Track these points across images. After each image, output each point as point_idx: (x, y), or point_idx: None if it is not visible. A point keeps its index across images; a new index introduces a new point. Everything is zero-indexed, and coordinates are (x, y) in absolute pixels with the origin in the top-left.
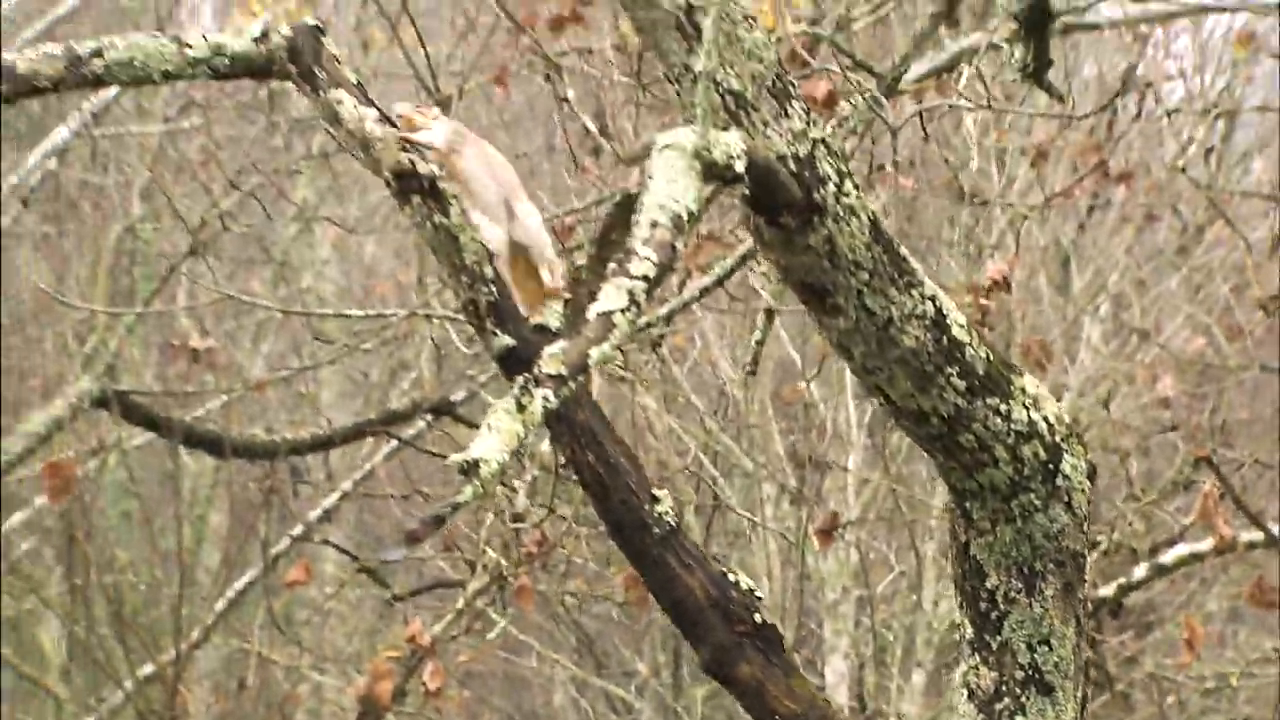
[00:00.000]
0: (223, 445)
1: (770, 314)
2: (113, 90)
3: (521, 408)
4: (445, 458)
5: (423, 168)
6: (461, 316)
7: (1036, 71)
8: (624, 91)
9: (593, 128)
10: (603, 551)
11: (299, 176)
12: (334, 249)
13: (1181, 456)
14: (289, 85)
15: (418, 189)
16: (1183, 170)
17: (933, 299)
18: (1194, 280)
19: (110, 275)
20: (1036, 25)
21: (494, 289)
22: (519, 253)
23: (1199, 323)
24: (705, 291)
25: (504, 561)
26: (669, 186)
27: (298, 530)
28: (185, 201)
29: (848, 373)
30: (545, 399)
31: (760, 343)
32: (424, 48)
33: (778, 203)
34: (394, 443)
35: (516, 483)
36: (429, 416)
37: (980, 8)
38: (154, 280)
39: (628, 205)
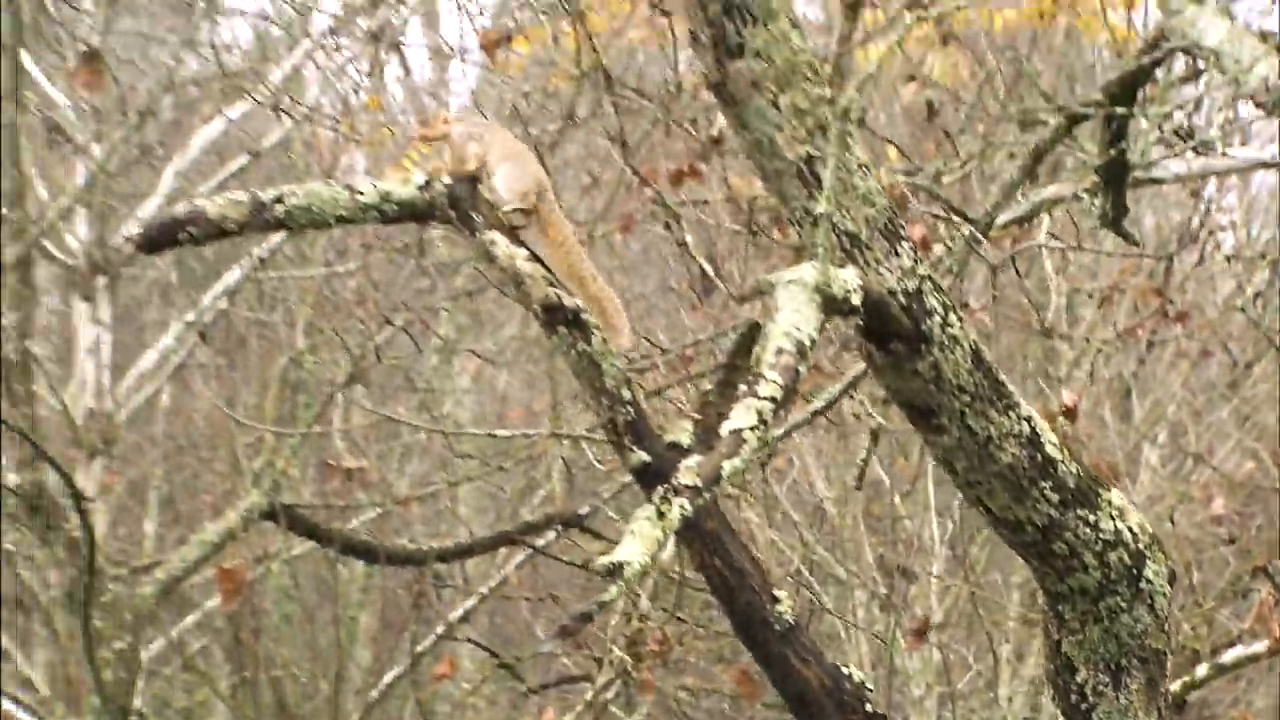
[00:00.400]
0: (375, 553)
1: (875, 435)
2: (277, 237)
3: (661, 515)
4: (576, 565)
5: (568, 301)
6: (592, 437)
7: (1115, 219)
8: (735, 239)
9: (708, 269)
10: (715, 649)
11: (443, 314)
12: (473, 379)
13: (1234, 568)
14: (434, 231)
15: (563, 320)
16: (1241, 310)
17: (1028, 419)
18: (1243, 410)
19: (276, 401)
20: (1116, 178)
21: (631, 409)
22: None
23: (1248, 448)
24: (816, 415)
25: (628, 658)
26: (792, 317)
27: (440, 630)
28: (343, 336)
29: (931, 491)
30: (682, 508)
31: (865, 461)
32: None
33: (889, 332)
34: (527, 551)
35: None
36: (559, 528)
37: (1054, 164)
38: (315, 405)
39: (751, 335)
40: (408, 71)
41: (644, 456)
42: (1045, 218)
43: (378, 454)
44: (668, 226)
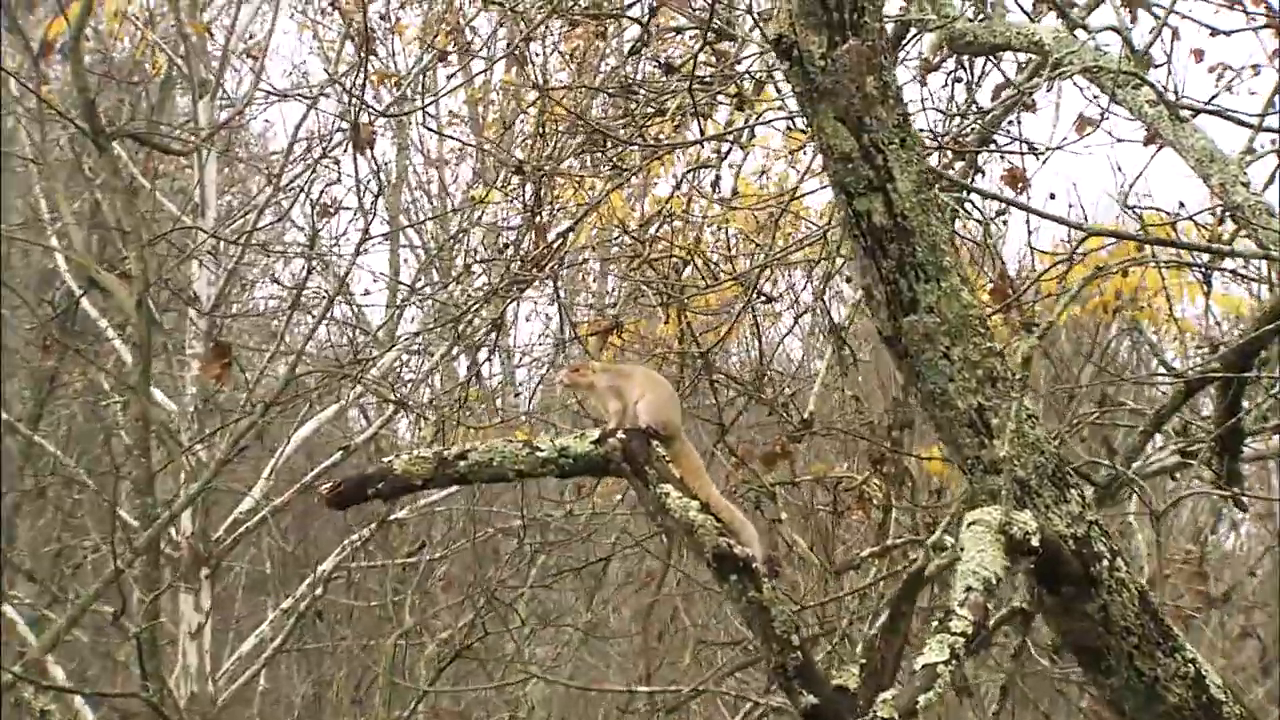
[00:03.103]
0: None
1: (1005, 691)
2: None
3: None
4: None
5: (738, 550)
6: (745, 695)
7: (1228, 484)
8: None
9: (802, 544)
10: None
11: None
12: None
13: None
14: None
15: (734, 568)
16: None
17: (1193, 661)
18: (1274, 691)
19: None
20: (1229, 445)
21: (800, 654)
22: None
23: None
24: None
25: None
26: (979, 556)
27: None
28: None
29: None
30: None
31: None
32: None
33: (1060, 575)
34: None
35: None
36: None
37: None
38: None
39: (916, 581)
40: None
41: (813, 700)
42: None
43: None
44: (758, 505)
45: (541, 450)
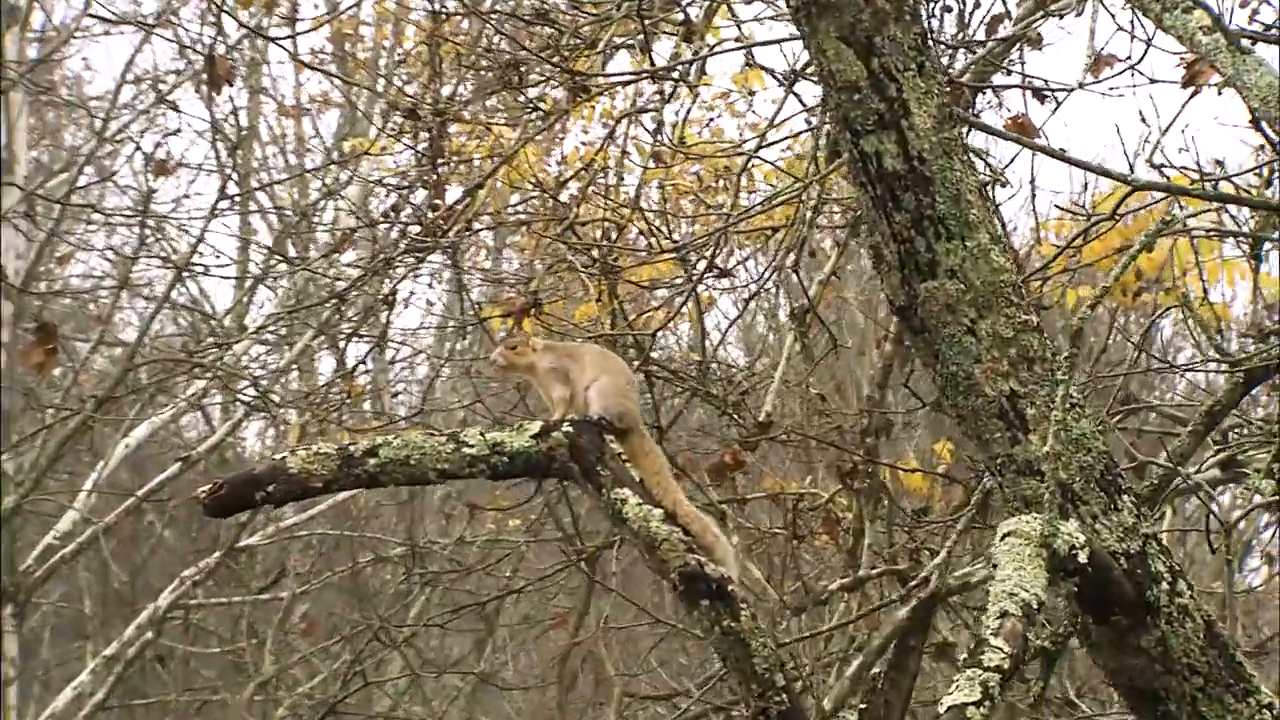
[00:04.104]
0: None
1: None
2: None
3: None
4: None
5: (711, 570)
6: None
7: None
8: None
9: (756, 573)
10: None
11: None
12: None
13: None
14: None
15: (706, 592)
16: None
17: (1269, 707)
18: None
19: None
20: None
21: (785, 696)
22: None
23: None
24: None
25: None
26: (1017, 574)
27: None
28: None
29: None
30: None
31: None
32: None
33: (1109, 600)
34: None
35: None
36: None
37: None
38: None
39: (926, 612)
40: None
41: None
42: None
43: None
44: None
45: (470, 446)
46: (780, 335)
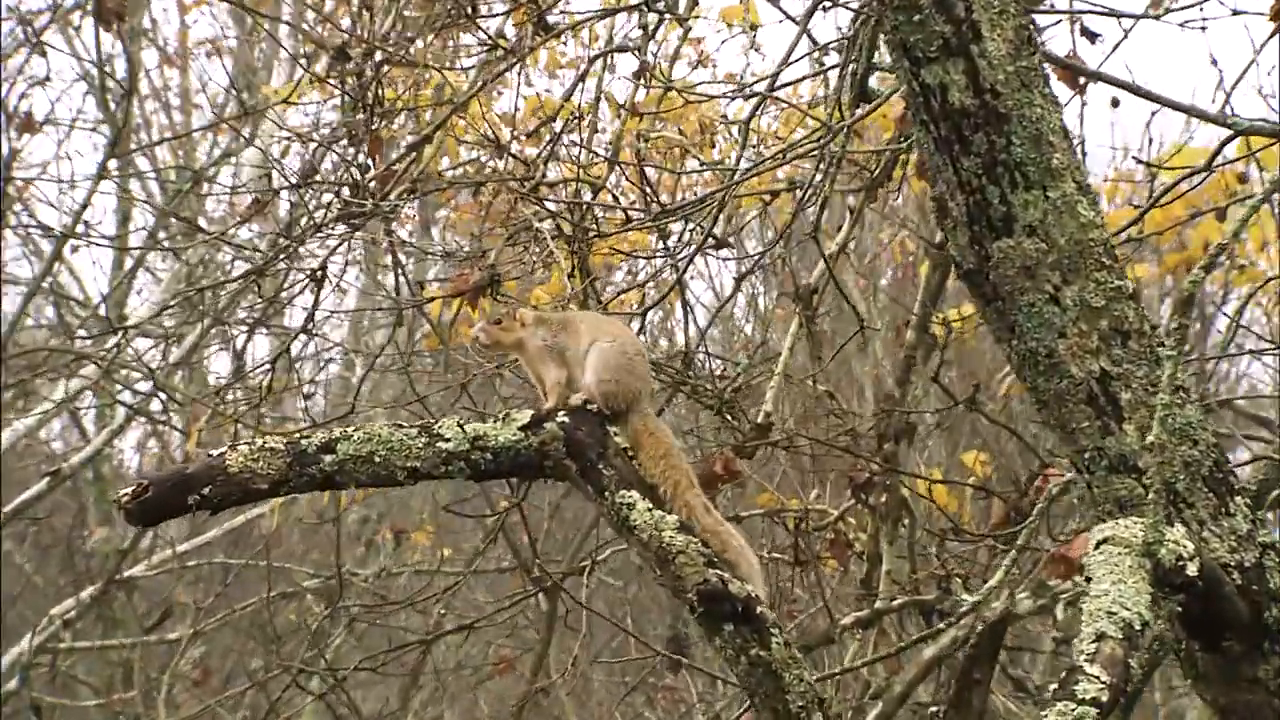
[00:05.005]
0: None
1: None
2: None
3: None
4: None
5: (736, 588)
6: None
7: None
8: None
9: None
10: None
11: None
12: None
13: None
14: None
15: (730, 614)
16: None
17: None
18: None
19: None
20: None
21: None
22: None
23: None
24: None
25: None
26: (1115, 589)
27: None
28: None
29: None
30: None
31: None
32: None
33: (1220, 622)
34: None
35: None
36: None
37: None
38: None
39: (995, 636)
40: None
41: None
42: None
43: None
44: None
45: (446, 440)
46: (762, 323)
